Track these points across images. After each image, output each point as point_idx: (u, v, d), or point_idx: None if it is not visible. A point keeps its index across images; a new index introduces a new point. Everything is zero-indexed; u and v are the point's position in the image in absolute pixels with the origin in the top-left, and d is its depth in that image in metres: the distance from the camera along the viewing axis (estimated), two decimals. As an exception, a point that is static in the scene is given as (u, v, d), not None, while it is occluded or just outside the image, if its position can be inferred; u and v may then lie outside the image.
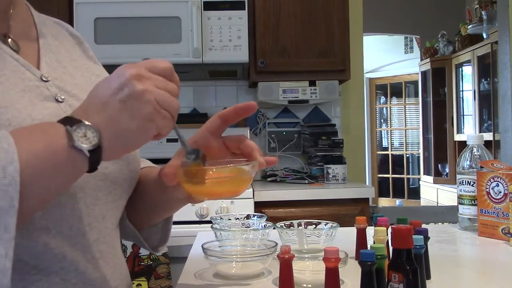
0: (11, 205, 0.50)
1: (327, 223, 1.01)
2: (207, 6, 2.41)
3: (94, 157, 0.56)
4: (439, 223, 1.78)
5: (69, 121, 0.56)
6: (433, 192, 5.08)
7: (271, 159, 0.74)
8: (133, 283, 1.94)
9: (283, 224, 1.01)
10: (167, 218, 0.88)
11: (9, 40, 0.71)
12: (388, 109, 6.73)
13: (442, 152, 4.99)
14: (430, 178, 5.14)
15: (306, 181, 2.51)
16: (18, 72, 0.68)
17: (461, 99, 4.83)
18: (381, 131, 6.82)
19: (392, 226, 0.68)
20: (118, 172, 0.74)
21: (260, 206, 2.19)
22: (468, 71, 4.73)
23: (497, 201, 1.12)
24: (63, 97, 0.71)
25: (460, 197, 1.24)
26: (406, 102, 6.58)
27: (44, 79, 0.70)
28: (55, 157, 0.54)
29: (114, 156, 0.60)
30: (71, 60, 0.80)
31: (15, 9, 0.75)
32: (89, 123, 0.56)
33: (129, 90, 0.57)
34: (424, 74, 5.28)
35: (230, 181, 0.70)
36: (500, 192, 1.12)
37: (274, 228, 1.01)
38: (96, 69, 0.85)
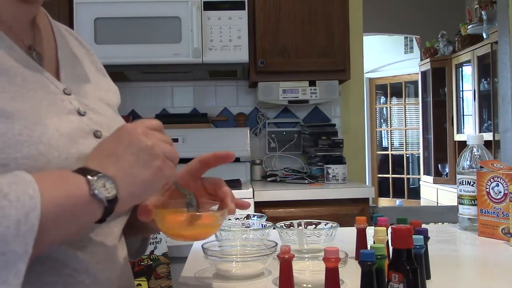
0: (26, 251, 0.51)
1: (327, 223, 1.01)
2: (207, 6, 2.41)
3: (110, 207, 0.59)
4: (439, 223, 1.78)
5: (87, 172, 0.59)
6: (433, 192, 5.07)
7: (244, 203, 0.80)
8: (133, 283, 1.94)
9: (283, 224, 1.01)
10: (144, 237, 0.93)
11: (34, 52, 0.72)
12: (388, 109, 6.73)
13: (442, 152, 4.98)
14: (430, 178, 5.14)
15: (306, 181, 2.51)
16: (43, 85, 0.69)
17: (461, 99, 4.83)
18: (381, 131, 6.82)
19: (392, 226, 0.68)
20: None
21: (260, 206, 2.19)
22: (468, 71, 4.72)
23: (497, 201, 1.12)
24: (84, 110, 0.73)
25: (460, 197, 1.24)
26: (406, 102, 6.57)
27: (66, 92, 0.72)
28: (74, 205, 0.57)
29: (126, 206, 0.63)
30: (85, 74, 0.82)
31: (37, 18, 0.76)
32: (107, 174, 0.59)
33: (140, 145, 0.62)
34: (424, 74, 5.28)
35: (203, 227, 0.74)
36: (500, 192, 1.12)
37: (274, 228, 1.01)
38: (105, 82, 0.87)
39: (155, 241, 2.01)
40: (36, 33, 0.75)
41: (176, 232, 0.74)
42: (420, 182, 5.62)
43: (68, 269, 0.66)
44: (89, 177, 0.58)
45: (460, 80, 4.85)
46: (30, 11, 0.73)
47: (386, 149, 6.74)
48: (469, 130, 4.65)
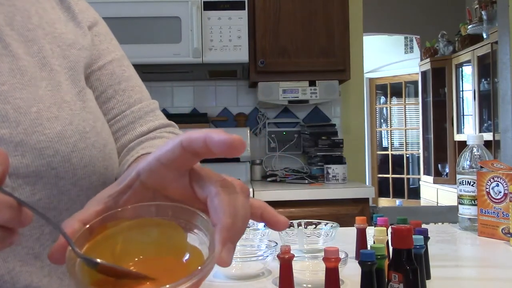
0: None
1: (327, 223, 1.01)
2: (207, 6, 2.41)
3: None
4: (439, 223, 1.78)
5: None
6: (433, 192, 5.07)
7: (280, 220, 0.46)
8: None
9: (283, 224, 1.01)
10: None
11: None
12: (388, 109, 6.73)
13: (442, 152, 4.98)
14: (430, 178, 5.14)
15: (306, 181, 2.51)
16: None
17: (461, 99, 4.83)
18: (381, 131, 6.82)
19: (392, 226, 0.68)
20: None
21: (260, 206, 2.19)
22: (468, 71, 4.72)
23: (497, 201, 1.12)
24: None
25: (460, 197, 1.24)
26: (406, 102, 6.58)
27: None
28: None
29: None
30: (27, 31, 0.61)
31: None
32: None
33: None
34: (424, 74, 5.28)
35: None
36: (500, 192, 1.12)
37: (274, 228, 1.01)
38: (76, 35, 0.68)
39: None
40: None
41: None
42: (420, 182, 5.62)
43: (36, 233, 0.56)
44: None
45: (460, 80, 4.85)
46: None
47: (386, 149, 6.74)
48: (469, 130, 4.65)
